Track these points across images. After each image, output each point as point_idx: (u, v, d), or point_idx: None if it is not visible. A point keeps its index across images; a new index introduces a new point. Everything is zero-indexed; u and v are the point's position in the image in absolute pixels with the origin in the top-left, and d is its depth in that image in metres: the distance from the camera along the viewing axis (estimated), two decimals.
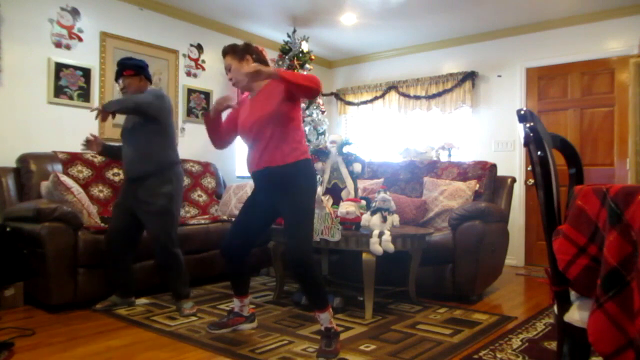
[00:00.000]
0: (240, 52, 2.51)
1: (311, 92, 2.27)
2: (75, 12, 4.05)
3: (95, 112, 2.81)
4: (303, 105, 5.05)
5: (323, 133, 5.18)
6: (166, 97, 3.11)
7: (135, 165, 3.04)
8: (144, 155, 3.03)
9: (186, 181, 4.41)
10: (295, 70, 5.06)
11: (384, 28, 5.26)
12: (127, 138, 3.11)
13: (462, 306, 3.32)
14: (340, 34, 5.48)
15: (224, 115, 2.65)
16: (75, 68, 4.03)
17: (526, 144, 1.42)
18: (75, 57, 4.04)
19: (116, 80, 3.18)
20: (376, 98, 6.10)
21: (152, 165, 3.03)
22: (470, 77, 5.37)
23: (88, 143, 3.13)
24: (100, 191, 3.79)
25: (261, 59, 2.55)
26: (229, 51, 2.53)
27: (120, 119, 3.32)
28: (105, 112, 2.79)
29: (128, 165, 3.09)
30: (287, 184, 2.40)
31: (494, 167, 4.07)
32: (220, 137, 2.65)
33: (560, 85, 4.98)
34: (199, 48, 5.03)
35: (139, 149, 3.04)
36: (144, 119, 3.00)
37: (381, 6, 4.62)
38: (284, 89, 2.35)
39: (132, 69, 3.11)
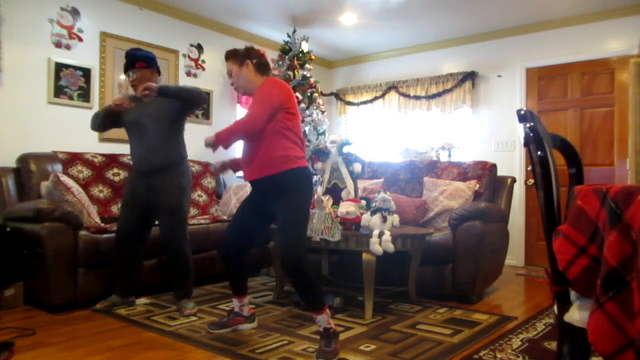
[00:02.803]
0: (241, 57, 2.53)
1: (247, 133, 2.39)
2: (75, 12, 4.05)
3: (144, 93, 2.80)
4: (303, 105, 5.05)
5: (323, 133, 5.18)
6: None
7: (157, 156, 3.00)
8: (166, 146, 3.02)
9: None
10: (297, 71, 5.05)
11: (384, 28, 5.26)
12: (146, 128, 3.02)
13: (462, 306, 3.32)
14: (340, 34, 5.47)
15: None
16: (75, 68, 4.03)
17: (526, 144, 1.42)
18: (75, 57, 4.04)
19: (125, 72, 3.10)
20: (376, 98, 6.10)
21: (171, 157, 3.04)
22: (470, 77, 5.37)
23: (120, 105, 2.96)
24: (100, 191, 3.79)
25: (262, 63, 2.55)
26: (230, 56, 2.57)
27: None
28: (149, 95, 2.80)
29: (146, 156, 3.02)
30: (280, 190, 2.42)
31: (494, 167, 4.07)
32: None
33: (560, 85, 4.98)
34: (199, 48, 5.03)
35: (162, 140, 3.01)
36: (183, 111, 3.05)
37: (381, 6, 4.62)
38: None
39: (144, 61, 3.07)
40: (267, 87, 2.43)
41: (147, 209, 3.06)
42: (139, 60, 3.07)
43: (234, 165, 2.69)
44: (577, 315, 1.36)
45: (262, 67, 2.54)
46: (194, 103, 3.03)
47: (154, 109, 3.02)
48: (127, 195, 3.14)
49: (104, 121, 3.11)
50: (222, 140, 2.37)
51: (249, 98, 2.60)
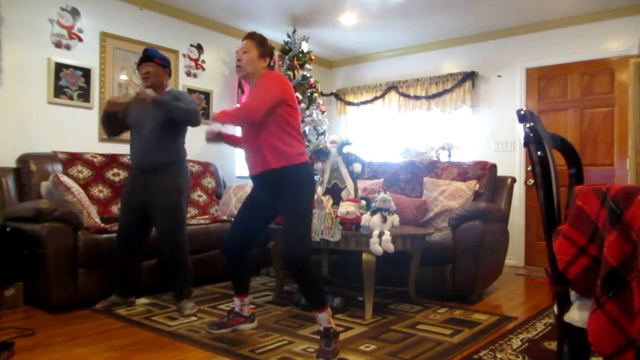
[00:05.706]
0: (265, 49, 2.54)
1: (246, 118, 2.39)
2: (75, 12, 4.05)
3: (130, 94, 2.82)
4: (303, 105, 5.05)
5: (323, 133, 5.17)
6: None
7: (152, 155, 3.01)
8: (162, 146, 3.02)
9: None
10: (297, 71, 5.06)
11: (384, 28, 5.26)
12: (143, 127, 3.05)
13: (462, 306, 3.32)
14: (340, 34, 5.47)
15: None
16: (75, 68, 4.03)
17: (526, 144, 1.42)
18: (75, 57, 4.04)
19: (139, 65, 3.11)
20: (376, 98, 6.10)
21: (168, 156, 3.04)
22: (470, 77, 5.37)
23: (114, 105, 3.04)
24: (100, 191, 3.79)
25: (273, 67, 2.60)
26: (256, 39, 2.54)
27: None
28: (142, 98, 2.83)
29: (142, 154, 3.05)
30: (283, 186, 2.42)
31: (494, 167, 4.07)
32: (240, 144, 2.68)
33: (560, 85, 4.98)
34: (199, 48, 5.03)
35: (158, 139, 3.01)
36: (175, 123, 3.02)
37: (381, 6, 4.62)
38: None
39: (162, 59, 3.12)
40: (269, 79, 2.45)
41: (145, 210, 3.06)
42: (158, 57, 3.12)
43: (226, 137, 2.64)
44: (577, 315, 1.36)
45: (272, 69, 2.61)
46: (186, 123, 3.03)
47: (153, 110, 3.02)
48: (125, 196, 3.15)
49: (107, 125, 3.18)
50: (223, 118, 2.36)
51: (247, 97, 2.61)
